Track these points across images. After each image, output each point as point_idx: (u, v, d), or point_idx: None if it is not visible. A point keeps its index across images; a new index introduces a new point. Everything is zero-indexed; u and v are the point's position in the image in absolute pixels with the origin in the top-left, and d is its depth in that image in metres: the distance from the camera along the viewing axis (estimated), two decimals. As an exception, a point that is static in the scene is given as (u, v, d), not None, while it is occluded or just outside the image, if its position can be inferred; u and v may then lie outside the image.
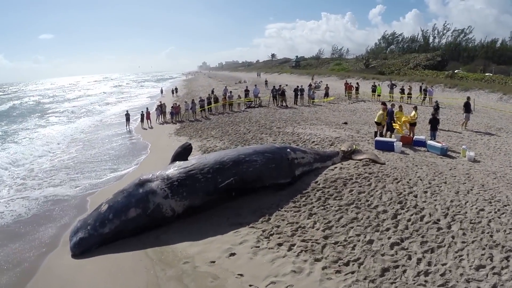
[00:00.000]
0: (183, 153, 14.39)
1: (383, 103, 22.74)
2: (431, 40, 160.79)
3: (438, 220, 11.71)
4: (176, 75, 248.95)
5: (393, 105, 22.44)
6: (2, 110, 74.69)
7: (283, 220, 12.29)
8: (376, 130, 22.10)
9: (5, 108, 78.14)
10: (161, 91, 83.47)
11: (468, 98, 29.34)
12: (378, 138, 20.58)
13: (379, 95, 44.64)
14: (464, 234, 10.92)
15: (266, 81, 78.52)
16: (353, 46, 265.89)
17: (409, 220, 11.76)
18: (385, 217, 12.00)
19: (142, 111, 39.36)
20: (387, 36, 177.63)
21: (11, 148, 31.05)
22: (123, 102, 76.04)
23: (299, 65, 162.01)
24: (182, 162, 13.71)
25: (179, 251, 11.15)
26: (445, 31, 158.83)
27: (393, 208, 12.51)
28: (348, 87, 47.52)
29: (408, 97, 42.87)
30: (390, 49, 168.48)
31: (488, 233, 10.97)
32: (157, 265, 10.63)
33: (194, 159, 14.02)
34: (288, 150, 15.47)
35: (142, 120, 38.39)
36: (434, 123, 22.27)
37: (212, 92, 48.90)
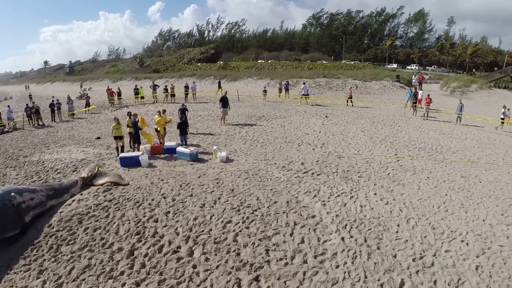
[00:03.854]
0: None
1: (131, 113, 20.56)
2: (206, 34, 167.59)
3: (179, 247, 10.28)
4: None
5: (135, 115, 19.65)
6: None
7: (11, 286, 9.58)
8: (116, 146, 19.80)
9: None
10: None
11: (226, 92, 28.74)
12: (122, 154, 18.32)
13: (142, 98, 42.59)
14: (207, 259, 9.61)
15: (30, 95, 66.01)
16: (134, 44, 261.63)
17: (146, 255, 9.97)
18: (120, 256, 10.02)
19: None
20: (164, 33, 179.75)
21: None
22: None
23: (73, 71, 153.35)
24: None
25: None
26: (219, 24, 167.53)
27: (130, 242, 10.63)
28: (109, 93, 43.95)
29: (171, 96, 41.80)
30: (167, 45, 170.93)
31: (234, 251, 9.88)
32: None
33: None
34: (13, 194, 12.54)
35: None
36: (182, 127, 20.48)
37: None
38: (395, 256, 9.80)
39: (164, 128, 21.03)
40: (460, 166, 18.18)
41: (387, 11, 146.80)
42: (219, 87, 47.22)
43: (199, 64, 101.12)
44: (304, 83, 41.36)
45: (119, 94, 43.69)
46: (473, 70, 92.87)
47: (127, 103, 43.37)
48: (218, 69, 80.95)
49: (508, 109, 28.86)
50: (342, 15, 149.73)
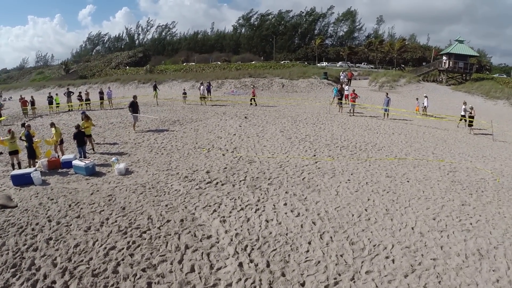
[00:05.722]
0: None
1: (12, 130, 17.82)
2: (136, 37, 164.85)
3: (54, 282, 8.29)
4: None
5: (28, 127, 17.12)
6: None
7: None
8: (11, 162, 17.00)
9: None
10: None
11: (134, 97, 25.02)
12: (14, 171, 15.65)
13: (58, 106, 39.23)
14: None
15: None
16: (64, 50, 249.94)
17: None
18: (-9, 300, 7.96)
19: None
20: (92, 37, 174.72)
21: None
22: None
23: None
24: None
25: None
26: (149, 28, 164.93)
27: (4, 278, 8.55)
28: (22, 102, 40.29)
29: (86, 103, 38.63)
30: (96, 50, 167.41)
31: (112, 286, 8.15)
32: None
33: None
34: None
35: None
36: (79, 137, 17.93)
37: None
38: (302, 285, 8.01)
39: (62, 141, 18.78)
40: (385, 164, 16.79)
41: (316, 10, 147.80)
42: (155, 90, 43.72)
43: (126, 68, 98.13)
44: (202, 84, 39.63)
45: (32, 103, 39.92)
46: (402, 65, 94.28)
47: (41, 112, 39.76)
48: (145, 72, 78.30)
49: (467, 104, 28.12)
50: (272, 16, 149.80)
